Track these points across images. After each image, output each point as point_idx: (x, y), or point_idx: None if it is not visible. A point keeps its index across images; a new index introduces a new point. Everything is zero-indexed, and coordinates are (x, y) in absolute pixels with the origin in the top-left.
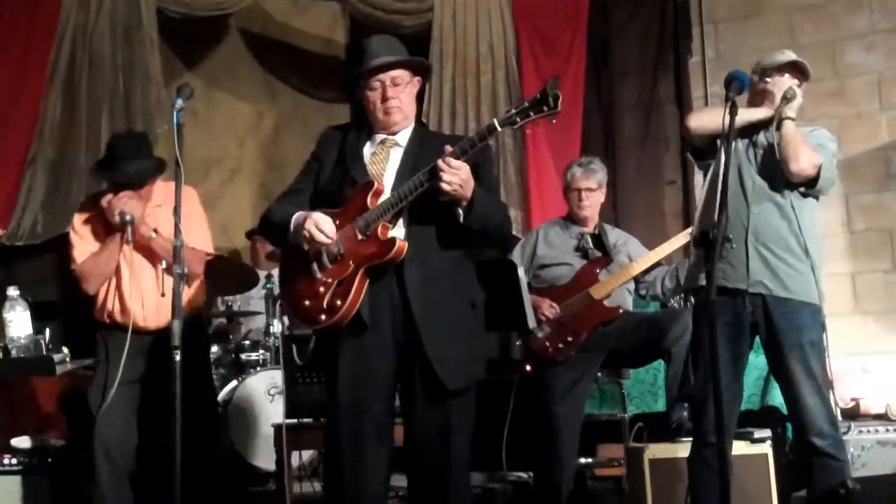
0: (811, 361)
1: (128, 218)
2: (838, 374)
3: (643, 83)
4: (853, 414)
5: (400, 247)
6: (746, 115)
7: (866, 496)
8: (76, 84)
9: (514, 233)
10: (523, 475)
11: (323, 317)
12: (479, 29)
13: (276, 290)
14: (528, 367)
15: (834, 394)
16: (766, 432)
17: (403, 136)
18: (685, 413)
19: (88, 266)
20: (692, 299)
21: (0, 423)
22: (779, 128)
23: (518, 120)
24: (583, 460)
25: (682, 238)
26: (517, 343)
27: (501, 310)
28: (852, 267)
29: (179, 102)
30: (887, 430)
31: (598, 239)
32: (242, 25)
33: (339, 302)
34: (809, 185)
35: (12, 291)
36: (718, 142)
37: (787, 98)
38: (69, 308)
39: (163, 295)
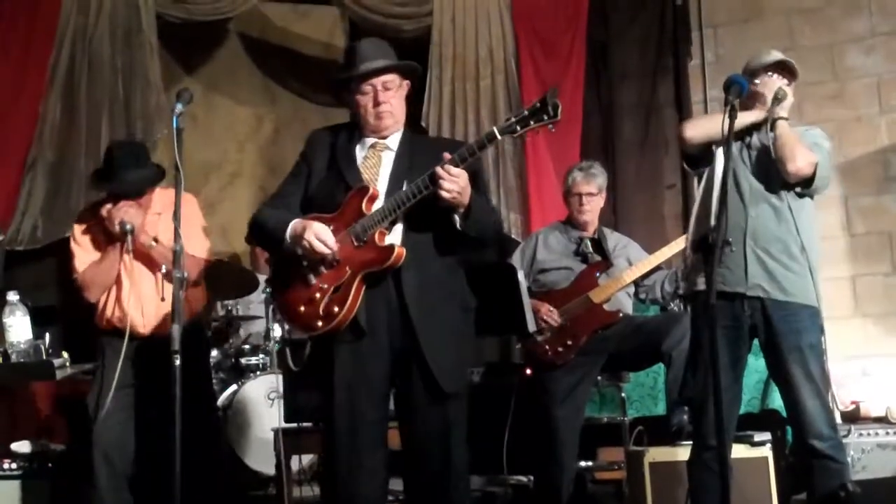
0: (810, 364)
1: (128, 227)
2: (838, 378)
3: (643, 86)
4: (853, 417)
5: (399, 253)
6: (740, 118)
7: (866, 499)
8: (76, 88)
9: (513, 237)
10: (523, 479)
11: (320, 322)
12: (478, 32)
13: None
14: (528, 371)
15: (834, 396)
16: (766, 435)
17: (394, 140)
18: (685, 416)
19: (90, 275)
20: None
21: (0, 428)
22: (773, 128)
23: (518, 129)
24: (583, 464)
25: (681, 242)
26: (517, 347)
27: (501, 313)
28: (852, 270)
29: (179, 107)
30: (887, 434)
31: (598, 243)
32: (242, 30)
33: (336, 308)
34: (806, 185)
35: (12, 296)
36: (714, 147)
37: (777, 98)
38: (69, 313)
39: (163, 300)
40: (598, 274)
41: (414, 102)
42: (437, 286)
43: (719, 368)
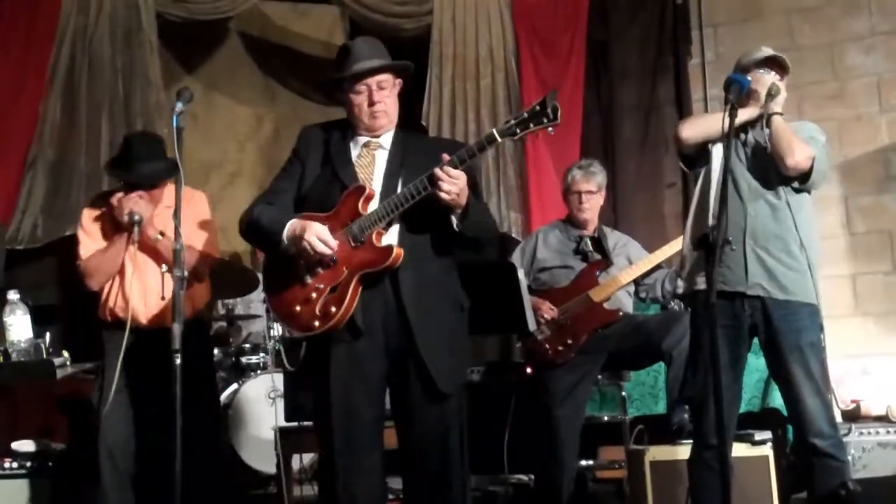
0: (811, 363)
1: (136, 218)
2: (839, 377)
3: (643, 86)
4: (854, 416)
5: (397, 254)
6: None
7: (867, 498)
8: (76, 87)
9: (513, 236)
10: (524, 478)
11: (317, 323)
12: (478, 32)
13: None
14: (528, 370)
15: (834, 395)
16: (767, 434)
17: (387, 139)
18: (686, 415)
19: (93, 262)
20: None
21: (1, 427)
22: (768, 124)
23: (517, 131)
24: (583, 462)
25: (681, 241)
26: (517, 346)
27: (501, 312)
28: (852, 269)
29: (179, 106)
30: (888, 432)
31: (598, 242)
32: (242, 29)
33: (333, 308)
34: (803, 180)
35: (12, 295)
36: (710, 146)
37: (771, 94)
38: (69, 312)
39: (163, 298)
40: (598, 272)
41: (414, 102)
42: (434, 287)
43: (719, 367)
